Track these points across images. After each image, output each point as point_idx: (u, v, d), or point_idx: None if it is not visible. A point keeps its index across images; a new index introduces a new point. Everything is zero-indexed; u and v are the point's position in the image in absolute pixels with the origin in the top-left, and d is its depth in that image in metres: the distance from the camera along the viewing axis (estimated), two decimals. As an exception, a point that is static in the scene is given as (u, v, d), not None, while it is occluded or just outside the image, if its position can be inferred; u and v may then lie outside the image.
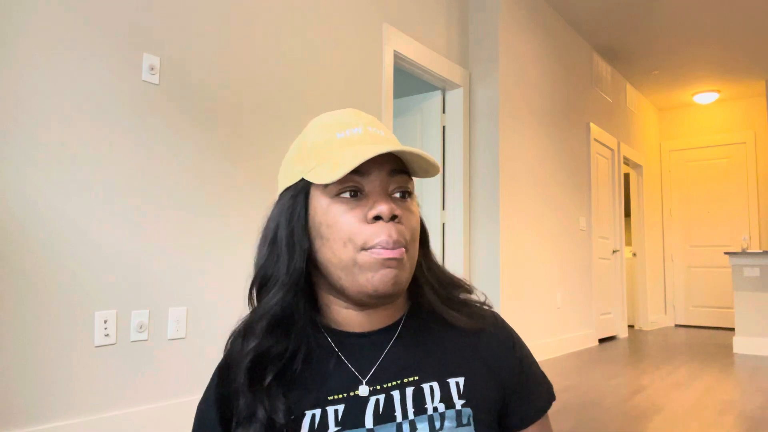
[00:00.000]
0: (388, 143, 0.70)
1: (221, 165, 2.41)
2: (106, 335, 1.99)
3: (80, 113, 1.97)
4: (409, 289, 0.76)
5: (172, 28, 2.26)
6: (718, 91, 6.75)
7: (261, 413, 0.66)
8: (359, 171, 0.68)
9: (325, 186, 0.69)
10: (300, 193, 0.71)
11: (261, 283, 0.72)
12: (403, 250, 0.68)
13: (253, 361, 0.68)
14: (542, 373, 0.80)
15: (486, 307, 0.79)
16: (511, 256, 4.04)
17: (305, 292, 0.72)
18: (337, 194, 0.68)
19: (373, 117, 0.76)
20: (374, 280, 0.67)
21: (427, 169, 0.71)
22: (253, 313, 0.72)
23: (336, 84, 3.00)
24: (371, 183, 0.69)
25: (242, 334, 0.71)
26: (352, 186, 0.68)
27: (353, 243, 0.67)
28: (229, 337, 0.73)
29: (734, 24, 5.02)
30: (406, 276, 0.69)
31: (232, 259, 2.41)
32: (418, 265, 0.76)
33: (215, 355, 2.31)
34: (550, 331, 4.53)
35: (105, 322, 1.99)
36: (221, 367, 0.73)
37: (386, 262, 0.66)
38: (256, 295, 0.73)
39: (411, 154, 0.68)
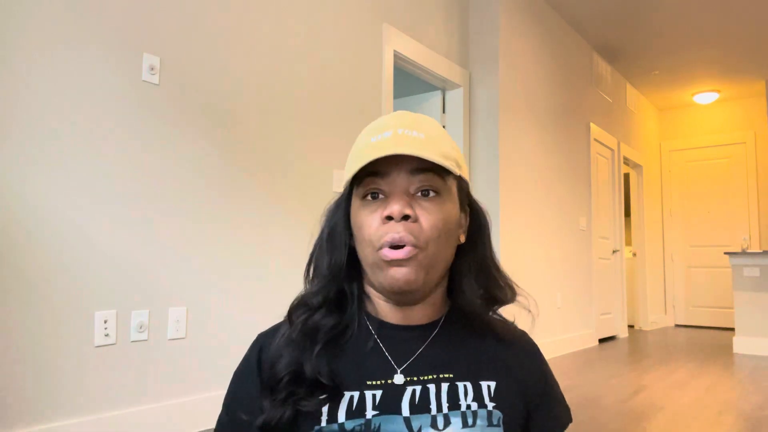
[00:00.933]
0: (413, 145, 0.70)
1: (221, 165, 2.41)
2: (106, 335, 1.99)
3: (80, 113, 1.97)
4: (450, 290, 0.78)
5: (172, 28, 2.26)
6: (718, 91, 6.75)
7: (309, 370, 0.69)
8: (379, 173, 0.70)
9: (357, 189, 0.73)
10: (345, 194, 0.76)
11: (313, 269, 0.78)
12: (411, 249, 0.68)
13: (305, 328, 0.72)
14: (562, 395, 0.83)
15: (518, 326, 0.82)
16: (511, 256, 4.04)
17: (357, 278, 0.76)
18: (363, 197, 0.72)
19: (417, 119, 0.74)
20: (386, 279, 0.70)
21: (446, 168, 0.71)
22: (305, 293, 0.77)
23: (336, 84, 3.00)
24: (390, 184, 0.70)
25: (297, 307, 0.76)
26: (373, 188, 0.71)
27: (371, 244, 0.70)
28: (288, 311, 0.77)
29: (734, 24, 5.02)
30: (421, 275, 0.70)
31: (232, 259, 2.41)
32: (462, 266, 0.77)
33: (215, 355, 2.31)
34: (550, 331, 4.53)
35: (105, 322, 1.99)
36: (265, 333, 0.78)
37: (392, 262, 0.68)
38: (311, 275, 0.78)
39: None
